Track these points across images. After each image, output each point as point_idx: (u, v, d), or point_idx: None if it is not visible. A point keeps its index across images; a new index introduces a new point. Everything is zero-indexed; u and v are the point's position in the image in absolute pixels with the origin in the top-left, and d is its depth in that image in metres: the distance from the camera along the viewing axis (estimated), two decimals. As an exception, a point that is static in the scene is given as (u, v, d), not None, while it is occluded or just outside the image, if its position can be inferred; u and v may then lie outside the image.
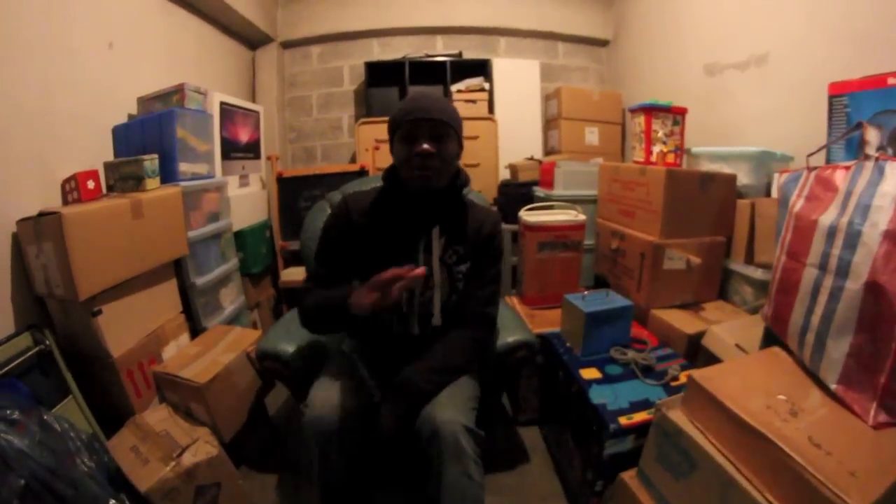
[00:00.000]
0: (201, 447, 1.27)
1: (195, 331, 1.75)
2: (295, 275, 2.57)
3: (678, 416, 0.93)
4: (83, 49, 1.64)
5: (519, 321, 1.47)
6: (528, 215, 1.89)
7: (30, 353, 1.22)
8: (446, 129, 1.06)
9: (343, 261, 1.15)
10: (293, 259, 2.66)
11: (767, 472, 0.74)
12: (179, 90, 1.82)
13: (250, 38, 3.05)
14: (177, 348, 1.60)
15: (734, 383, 0.89)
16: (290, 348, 1.30)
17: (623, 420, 1.12)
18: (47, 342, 1.26)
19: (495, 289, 1.21)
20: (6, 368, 1.15)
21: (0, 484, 0.86)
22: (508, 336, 1.33)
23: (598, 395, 1.23)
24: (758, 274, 1.62)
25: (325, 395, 1.05)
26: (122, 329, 1.41)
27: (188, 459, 1.21)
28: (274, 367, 1.32)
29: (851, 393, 0.83)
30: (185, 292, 1.74)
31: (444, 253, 1.15)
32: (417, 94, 1.12)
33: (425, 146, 1.03)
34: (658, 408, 0.98)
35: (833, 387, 0.86)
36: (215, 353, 1.54)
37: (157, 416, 1.37)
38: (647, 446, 1.02)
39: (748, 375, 0.95)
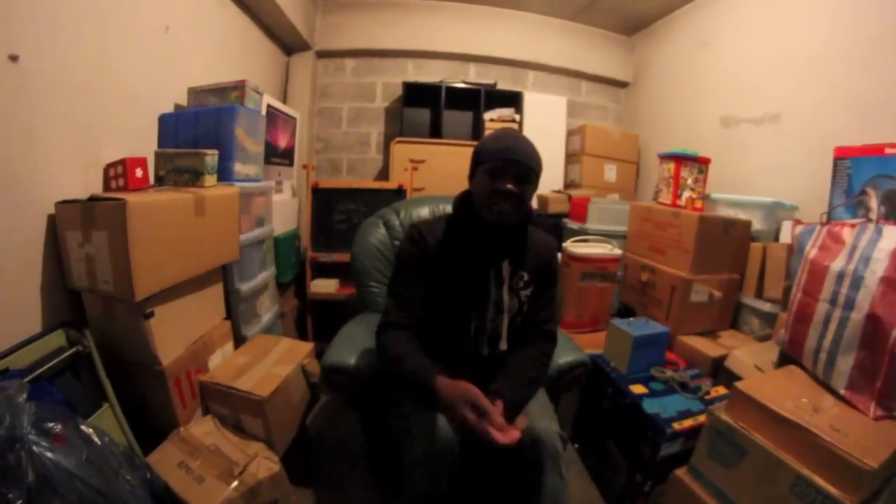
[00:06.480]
0: (262, 463, 1.21)
1: (236, 339, 1.66)
2: (324, 287, 2.55)
3: (728, 417, 1.18)
4: (140, 27, 1.53)
5: (571, 343, 1.49)
6: (574, 247, 2.09)
7: (64, 354, 1.08)
8: (531, 174, 1.11)
9: (419, 288, 1.16)
10: (321, 271, 2.65)
11: (803, 452, 1.00)
12: (240, 86, 1.72)
13: (288, 43, 3.00)
14: (222, 357, 1.52)
15: (768, 391, 1.15)
16: (360, 363, 1.27)
17: (676, 426, 1.35)
18: (86, 342, 1.13)
19: (554, 307, 1.27)
20: (38, 371, 1.00)
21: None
22: (568, 356, 1.37)
23: (650, 407, 1.44)
24: (766, 307, 1.85)
25: (442, 424, 0.99)
26: (171, 334, 1.29)
27: (250, 477, 1.15)
28: (343, 381, 1.27)
29: (856, 395, 1.11)
30: (228, 298, 1.65)
31: (512, 280, 1.19)
32: (512, 134, 1.18)
33: (510, 186, 1.07)
34: (711, 412, 1.22)
35: (842, 391, 1.13)
36: (268, 365, 1.48)
37: (203, 429, 1.29)
38: (698, 445, 1.25)
39: (775, 386, 1.21)
